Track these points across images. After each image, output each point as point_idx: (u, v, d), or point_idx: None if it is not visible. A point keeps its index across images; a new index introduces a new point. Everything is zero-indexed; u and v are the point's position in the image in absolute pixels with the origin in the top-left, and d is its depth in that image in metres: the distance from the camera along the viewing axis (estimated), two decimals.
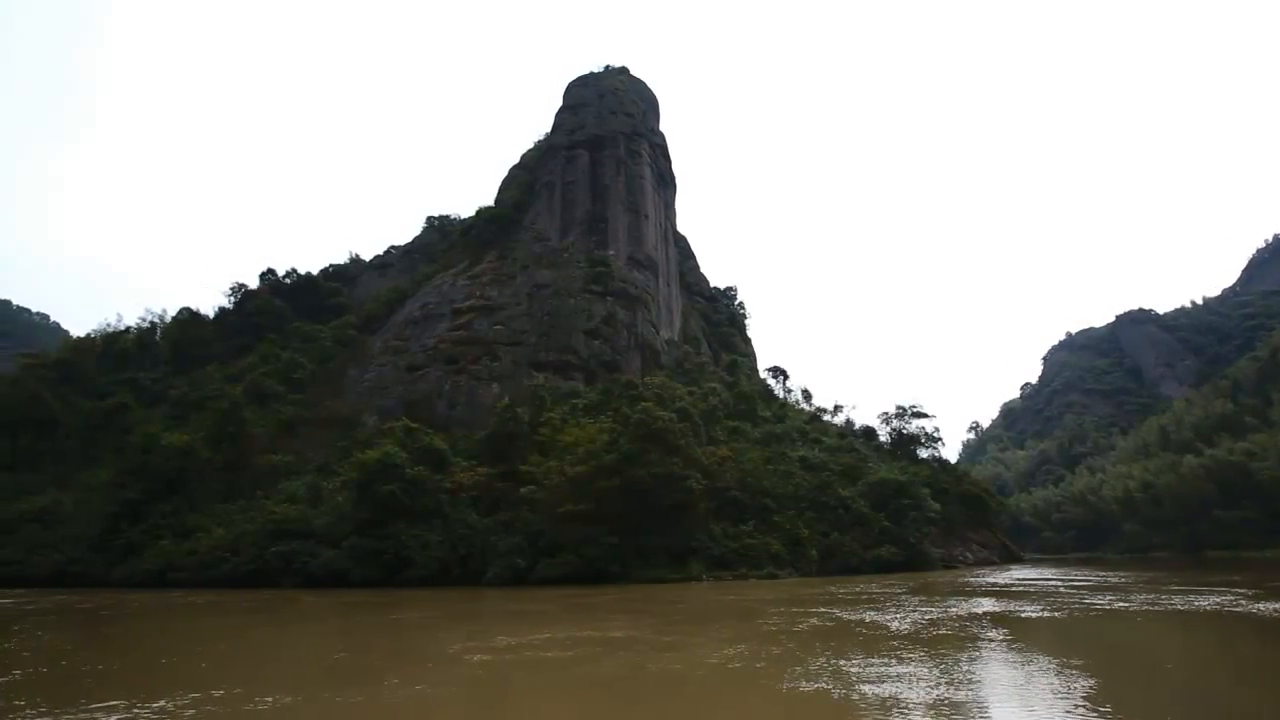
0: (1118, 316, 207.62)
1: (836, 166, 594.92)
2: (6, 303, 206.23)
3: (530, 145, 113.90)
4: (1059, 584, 35.61)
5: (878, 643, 16.04)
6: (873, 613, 22.38)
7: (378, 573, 40.20)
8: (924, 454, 72.90)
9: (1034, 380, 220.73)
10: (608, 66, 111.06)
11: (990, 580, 40.04)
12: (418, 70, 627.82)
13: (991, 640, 16.57)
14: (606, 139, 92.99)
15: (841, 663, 13.29)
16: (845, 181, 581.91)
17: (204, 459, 51.25)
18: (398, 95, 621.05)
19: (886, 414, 76.15)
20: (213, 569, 42.41)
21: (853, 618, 21.18)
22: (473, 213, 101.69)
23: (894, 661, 13.36)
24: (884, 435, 76.55)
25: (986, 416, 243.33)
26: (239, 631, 22.48)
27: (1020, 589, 32.63)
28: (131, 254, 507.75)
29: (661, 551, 43.35)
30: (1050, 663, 13.23)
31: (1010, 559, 66.72)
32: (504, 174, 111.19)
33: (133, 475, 48.67)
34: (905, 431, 74.19)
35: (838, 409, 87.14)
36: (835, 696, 10.65)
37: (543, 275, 76.79)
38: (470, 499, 45.50)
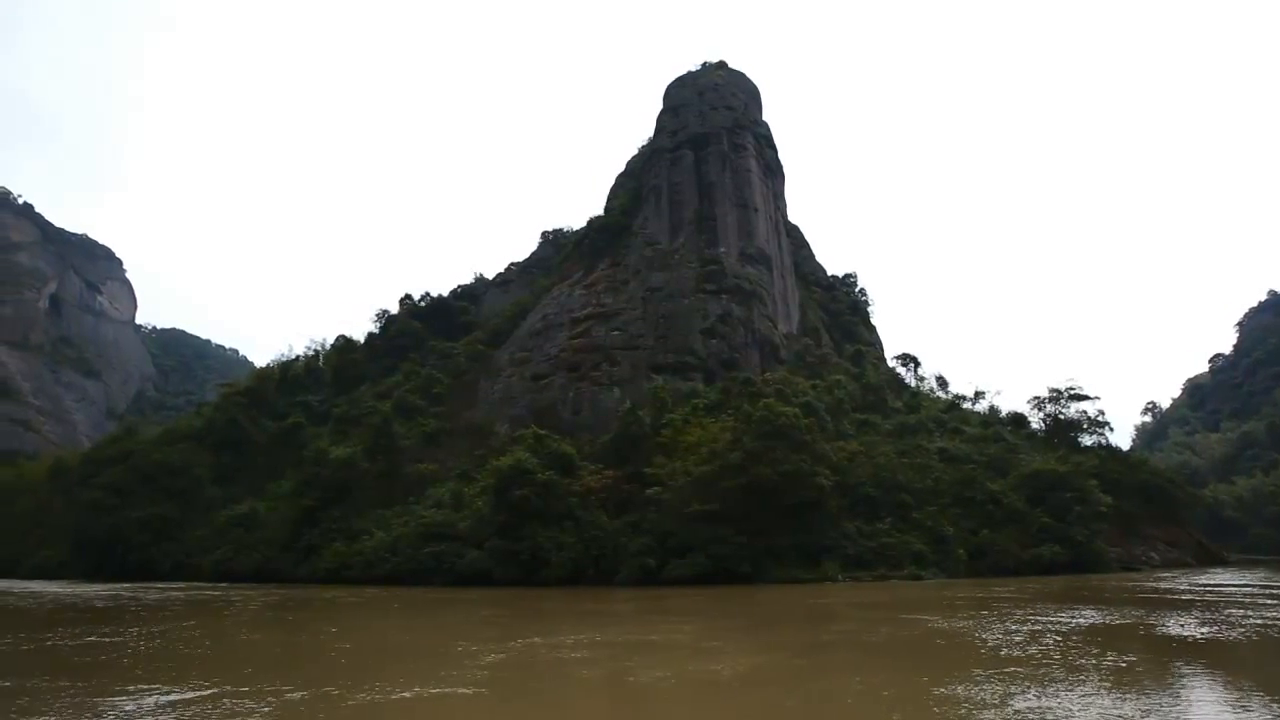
0: None
1: (956, 126, 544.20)
2: (207, 342, 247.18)
3: (635, 151, 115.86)
4: (1258, 592, 29.66)
5: (945, 660, 14.00)
6: (973, 621, 19.78)
7: (517, 572, 42.43)
8: (1087, 441, 64.68)
9: (1227, 350, 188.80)
10: (705, 63, 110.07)
11: (1163, 585, 34.36)
12: (523, 92, 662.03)
13: (1086, 665, 13.36)
14: (709, 136, 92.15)
15: (858, 680, 11.71)
16: (965, 139, 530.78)
17: (363, 469, 57.18)
18: (505, 116, 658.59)
19: (1039, 398, 68.51)
20: (377, 568, 47.01)
21: (943, 626, 18.90)
22: (584, 223, 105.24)
23: (944, 683, 11.25)
24: (1036, 422, 68.98)
25: (1165, 396, 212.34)
26: (299, 627, 24.28)
27: (1191, 596, 27.44)
28: (298, 290, 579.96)
29: (793, 551, 42.12)
30: (1147, 700, 10.40)
31: (1208, 560, 57.46)
32: (611, 183, 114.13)
33: (308, 485, 55.40)
34: (1063, 416, 66.30)
35: (979, 395, 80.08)
36: None
37: (655, 278, 77.55)
38: (599, 501, 46.84)
